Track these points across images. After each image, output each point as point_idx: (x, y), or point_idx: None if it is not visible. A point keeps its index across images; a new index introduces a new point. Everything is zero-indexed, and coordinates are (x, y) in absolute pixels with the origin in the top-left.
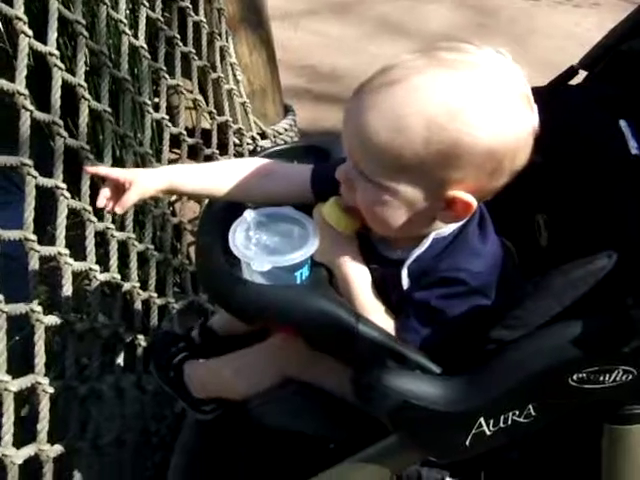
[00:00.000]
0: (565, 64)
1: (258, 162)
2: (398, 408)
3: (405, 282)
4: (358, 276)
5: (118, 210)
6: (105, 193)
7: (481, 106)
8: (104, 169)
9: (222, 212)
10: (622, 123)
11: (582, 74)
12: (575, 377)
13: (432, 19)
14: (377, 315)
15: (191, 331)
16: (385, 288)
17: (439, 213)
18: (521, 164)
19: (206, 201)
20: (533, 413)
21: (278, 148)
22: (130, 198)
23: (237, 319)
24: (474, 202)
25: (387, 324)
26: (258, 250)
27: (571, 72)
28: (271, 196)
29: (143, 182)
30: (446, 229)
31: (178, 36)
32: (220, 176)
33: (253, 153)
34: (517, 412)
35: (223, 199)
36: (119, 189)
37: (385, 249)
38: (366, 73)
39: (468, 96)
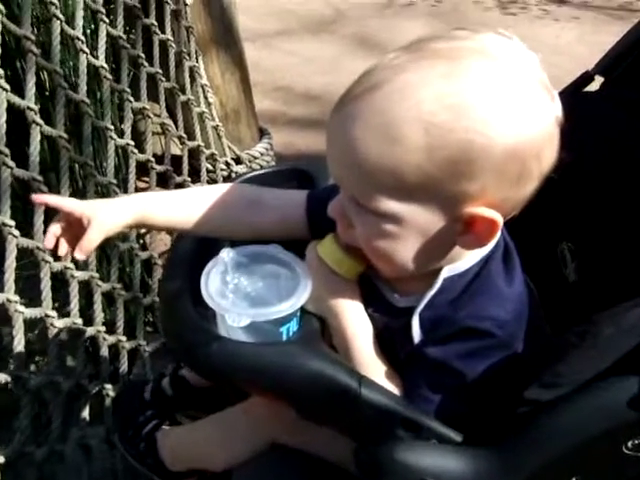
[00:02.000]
0: (550, 76)
1: (240, 189)
2: None
3: (416, 334)
4: (359, 329)
5: (78, 255)
6: (55, 230)
7: (492, 98)
8: (54, 198)
9: (193, 250)
10: None
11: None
12: (630, 444)
13: (408, 35)
14: (380, 378)
15: (162, 378)
16: (391, 342)
17: (458, 238)
18: (550, 163)
19: None
20: None
21: (258, 173)
22: (91, 238)
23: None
24: (499, 219)
25: (392, 390)
26: (236, 299)
27: (586, 78)
28: (256, 230)
29: (105, 218)
30: (462, 264)
31: (143, 55)
32: (196, 206)
33: (228, 179)
34: None
35: (199, 233)
36: (73, 226)
37: (392, 294)
38: (343, 91)
39: (473, 88)
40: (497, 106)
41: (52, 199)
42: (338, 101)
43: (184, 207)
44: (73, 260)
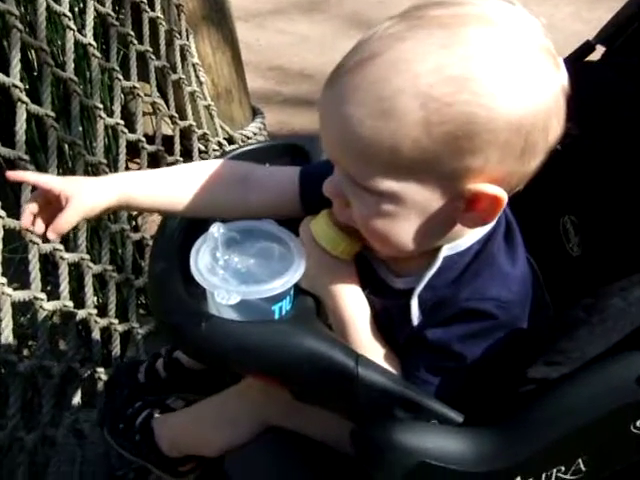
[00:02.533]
0: None
1: (229, 165)
2: (414, 470)
3: (415, 316)
4: (356, 310)
5: (50, 235)
6: (32, 208)
7: (494, 68)
8: (32, 175)
9: (182, 227)
10: None
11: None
12: (638, 423)
13: None
14: (378, 359)
15: (157, 359)
16: (390, 325)
17: (460, 216)
18: (556, 136)
19: None
20: (583, 468)
21: (250, 148)
22: (67, 219)
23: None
24: (503, 195)
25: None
26: (227, 276)
27: (588, 48)
28: (248, 208)
29: (85, 197)
30: (462, 242)
31: (132, 33)
32: (183, 184)
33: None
34: (563, 468)
35: (188, 214)
36: (52, 204)
37: (389, 275)
38: None
39: (473, 57)
40: (499, 76)
41: (30, 176)
42: (330, 75)
43: (170, 186)
44: (63, 241)
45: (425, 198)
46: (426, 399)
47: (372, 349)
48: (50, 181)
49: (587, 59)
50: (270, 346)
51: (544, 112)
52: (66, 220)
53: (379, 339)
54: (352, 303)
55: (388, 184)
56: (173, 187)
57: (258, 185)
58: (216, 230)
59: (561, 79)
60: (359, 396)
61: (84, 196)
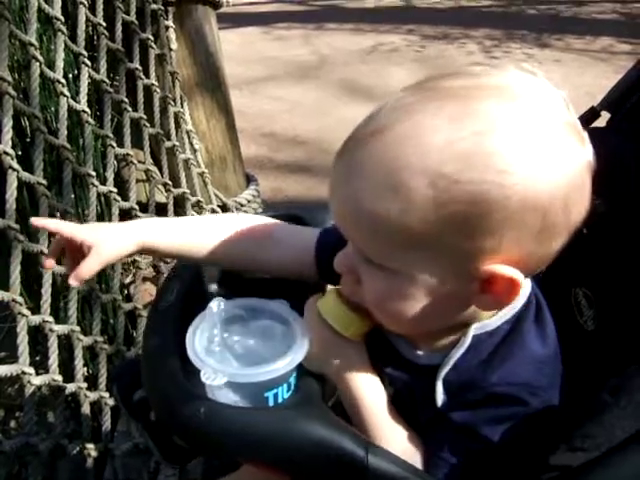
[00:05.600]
0: None
1: (250, 220)
2: None
3: (440, 397)
4: (370, 393)
5: (73, 282)
6: (54, 253)
7: (506, 143)
8: (54, 222)
9: (179, 299)
10: None
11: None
12: None
13: (395, 80)
14: (397, 444)
15: None
16: (411, 402)
17: (475, 298)
18: (580, 214)
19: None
20: None
21: None
22: (90, 267)
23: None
24: (520, 277)
25: (411, 454)
26: (226, 355)
27: (593, 114)
28: (263, 266)
29: (107, 245)
30: (491, 321)
31: (127, 100)
32: (202, 234)
33: None
34: None
35: (203, 262)
36: (72, 251)
37: (411, 350)
38: (330, 137)
39: (485, 132)
40: (513, 152)
41: (52, 223)
42: (342, 145)
43: (190, 235)
44: (52, 311)
45: (437, 278)
46: None
47: (391, 429)
48: (72, 229)
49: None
50: (272, 434)
51: (564, 190)
52: (89, 268)
53: (398, 420)
54: (365, 385)
55: (398, 262)
56: (192, 236)
57: (277, 246)
58: (216, 306)
59: (585, 155)
60: None
61: (106, 244)
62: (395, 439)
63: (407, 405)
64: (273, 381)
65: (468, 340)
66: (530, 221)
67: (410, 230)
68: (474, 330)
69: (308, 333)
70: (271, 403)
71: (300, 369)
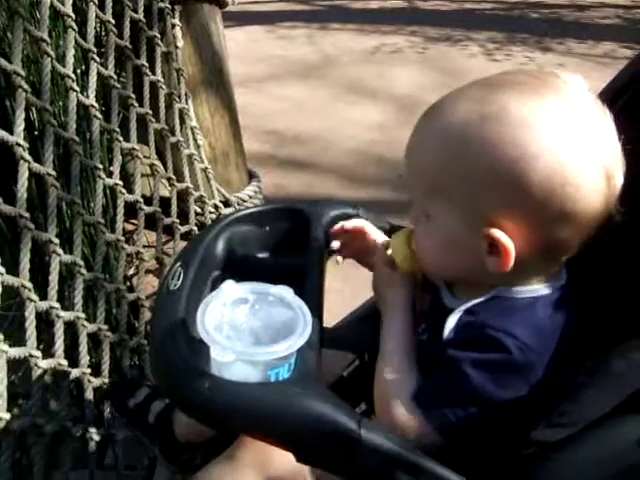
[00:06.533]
0: None
1: None
2: None
3: (447, 330)
4: (397, 326)
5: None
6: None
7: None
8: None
9: (189, 284)
10: None
11: None
12: None
13: (398, 81)
14: (400, 375)
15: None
16: (432, 340)
17: (485, 258)
18: (592, 211)
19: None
20: None
21: (250, 211)
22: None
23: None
24: (511, 248)
25: (407, 392)
26: (232, 334)
27: None
28: None
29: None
30: (521, 290)
31: (133, 96)
32: None
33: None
34: None
35: None
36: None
37: (447, 295)
38: (332, 136)
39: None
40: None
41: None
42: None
43: None
44: (58, 299)
45: (450, 223)
46: (428, 463)
47: (398, 364)
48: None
49: None
50: (271, 408)
51: (577, 174)
52: None
53: (412, 362)
54: (396, 317)
55: (430, 203)
56: None
57: None
58: (226, 288)
59: (601, 156)
60: (362, 459)
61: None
62: (402, 377)
63: (430, 346)
64: (276, 361)
65: (489, 294)
66: (536, 199)
67: (432, 174)
68: (497, 291)
69: (310, 322)
70: (273, 381)
71: (296, 356)
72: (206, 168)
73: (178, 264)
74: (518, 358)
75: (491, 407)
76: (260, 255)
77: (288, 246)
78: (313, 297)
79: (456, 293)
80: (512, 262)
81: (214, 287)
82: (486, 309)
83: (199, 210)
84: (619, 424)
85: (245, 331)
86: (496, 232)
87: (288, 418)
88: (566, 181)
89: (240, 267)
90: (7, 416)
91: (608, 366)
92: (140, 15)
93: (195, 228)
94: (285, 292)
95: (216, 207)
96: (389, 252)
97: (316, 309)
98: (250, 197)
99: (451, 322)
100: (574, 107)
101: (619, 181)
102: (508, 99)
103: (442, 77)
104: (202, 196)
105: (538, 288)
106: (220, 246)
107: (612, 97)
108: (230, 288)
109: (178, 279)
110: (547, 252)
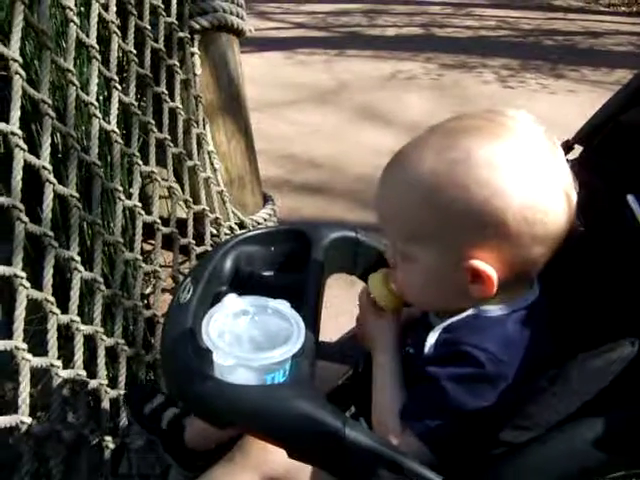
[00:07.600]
0: None
1: None
2: None
3: (427, 347)
4: (389, 357)
5: None
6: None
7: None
8: None
9: (198, 298)
10: (630, 198)
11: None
12: None
13: (412, 107)
14: (389, 400)
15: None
16: (416, 357)
17: (469, 287)
18: (560, 229)
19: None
20: None
21: (255, 232)
22: None
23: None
24: (493, 275)
25: (396, 410)
26: (232, 341)
27: (566, 147)
28: None
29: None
30: (494, 309)
31: (153, 122)
32: None
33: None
34: None
35: None
36: None
37: (433, 318)
38: (346, 160)
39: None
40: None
41: None
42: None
43: None
44: (80, 313)
45: (435, 262)
46: (408, 461)
47: (390, 389)
48: None
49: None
50: (264, 407)
51: (523, 208)
52: None
53: (399, 380)
54: (383, 350)
55: (408, 247)
56: None
57: None
58: (229, 301)
59: (558, 181)
60: (346, 456)
61: None
62: (395, 396)
63: (415, 358)
64: (272, 366)
65: (465, 313)
66: (511, 230)
67: (410, 222)
68: (473, 310)
69: (304, 333)
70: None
71: (290, 363)
72: (222, 191)
73: (189, 279)
74: (490, 370)
75: (468, 416)
76: (265, 273)
77: (290, 265)
78: (310, 312)
79: (439, 312)
80: (496, 287)
81: (220, 300)
82: (461, 327)
83: (215, 232)
84: (575, 427)
85: (245, 339)
86: (477, 263)
87: (280, 417)
88: (536, 209)
89: (245, 283)
90: (28, 420)
91: (566, 374)
92: (161, 44)
93: (210, 249)
94: (282, 306)
95: (231, 229)
96: (372, 295)
97: (311, 322)
98: (265, 220)
99: (431, 339)
100: (529, 142)
101: (575, 198)
102: (470, 144)
103: (456, 103)
104: (218, 218)
105: (510, 304)
106: (228, 264)
107: (590, 133)
108: (232, 301)
109: (188, 293)
110: (521, 271)
